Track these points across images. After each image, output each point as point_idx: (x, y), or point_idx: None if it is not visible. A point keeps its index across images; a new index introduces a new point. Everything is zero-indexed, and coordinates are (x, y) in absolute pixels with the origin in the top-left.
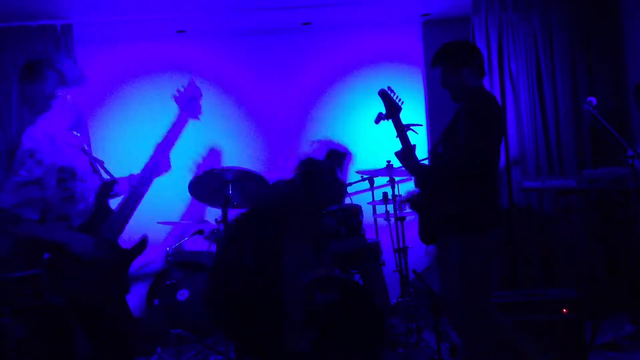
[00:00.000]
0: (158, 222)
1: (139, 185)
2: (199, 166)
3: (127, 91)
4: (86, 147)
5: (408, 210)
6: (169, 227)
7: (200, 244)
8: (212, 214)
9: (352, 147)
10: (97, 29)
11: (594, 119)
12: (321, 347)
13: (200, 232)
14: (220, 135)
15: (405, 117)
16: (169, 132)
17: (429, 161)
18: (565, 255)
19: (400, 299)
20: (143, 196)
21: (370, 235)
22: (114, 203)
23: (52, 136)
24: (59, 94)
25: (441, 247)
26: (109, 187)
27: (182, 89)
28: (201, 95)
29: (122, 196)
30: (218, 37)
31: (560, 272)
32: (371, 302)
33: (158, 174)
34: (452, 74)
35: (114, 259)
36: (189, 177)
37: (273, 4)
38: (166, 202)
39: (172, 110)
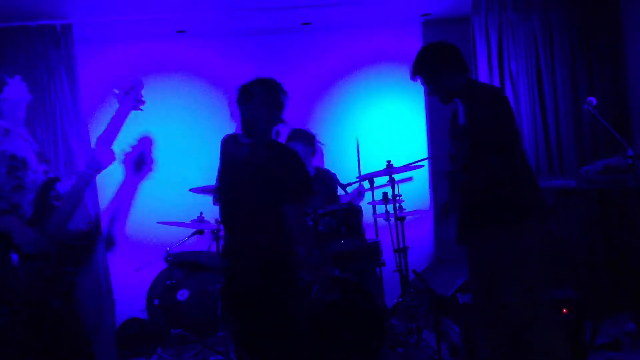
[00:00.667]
0: (158, 222)
1: (79, 181)
2: (127, 155)
3: None
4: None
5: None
6: (168, 227)
7: (200, 244)
8: (212, 213)
9: (353, 147)
10: (97, 29)
11: (594, 119)
12: (321, 347)
13: (200, 232)
14: (220, 134)
15: (404, 116)
16: (109, 124)
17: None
18: (565, 255)
19: (400, 299)
20: (84, 191)
21: (370, 235)
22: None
23: (5, 129)
24: (7, 96)
25: None
26: (50, 184)
27: (124, 85)
28: (142, 85)
29: (63, 194)
30: (218, 37)
31: (560, 272)
32: (371, 302)
33: (102, 167)
34: (431, 80)
35: (59, 254)
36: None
37: (273, 4)
38: (166, 201)
39: (171, 110)
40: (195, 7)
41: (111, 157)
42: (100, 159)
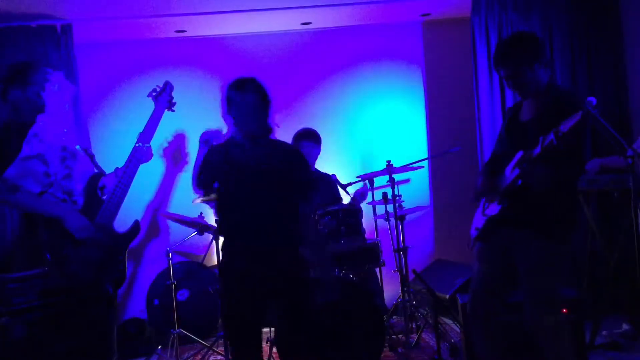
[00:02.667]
0: (160, 215)
1: (124, 176)
2: (165, 150)
3: (126, 91)
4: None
5: None
6: (169, 228)
7: (200, 244)
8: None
9: (353, 147)
10: (97, 29)
11: (594, 119)
12: (321, 347)
13: (201, 231)
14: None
15: (404, 116)
16: (147, 123)
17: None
18: None
19: (400, 299)
20: (129, 186)
21: (370, 235)
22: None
23: (55, 122)
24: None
25: None
26: (97, 178)
27: (157, 88)
28: (172, 88)
29: (110, 187)
30: (217, 37)
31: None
32: (371, 302)
33: (140, 163)
34: (528, 70)
35: (110, 243)
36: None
37: (273, 4)
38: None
39: (170, 110)
40: (195, 7)
41: (149, 155)
42: (141, 156)
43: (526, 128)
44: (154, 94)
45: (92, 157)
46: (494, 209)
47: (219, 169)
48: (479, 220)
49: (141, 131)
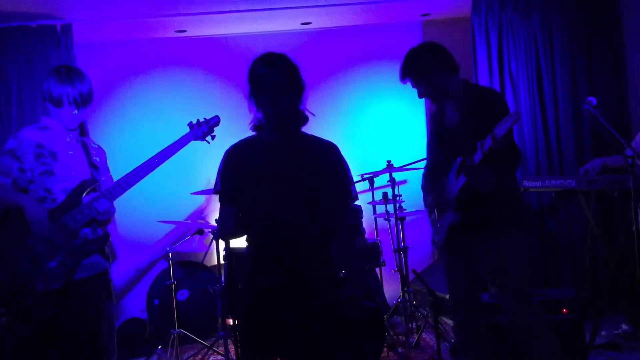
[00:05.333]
0: (159, 221)
1: (94, 202)
2: None
3: (126, 91)
4: (94, 145)
5: None
6: (169, 227)
7: (200, 244)
8: (212, 213)
9: (353, 147)
10: (97, 28)
11: (594, 119)
12: (321, 347)
13: (200, 232)
14: (220, 134)
15: (404, 116)
16: (164, 149)
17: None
18: (565, 255)
19: (400, 299)
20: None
21: (370, 235)
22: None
23: (44, 126)
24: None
25: None
26: (85, 186)
27: (200, 119)
28: (218, 123)
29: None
30: (217, 37)
31: (560, 272)
32: (371, 301)
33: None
34: (422, 81)
35: (67, 244)
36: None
37: (273, 4)
38: (167, 201)
39: (170, 110)
40: (195, 7)
41: (111, 213)
42: (99, 209)
43: (456, 133)
44: (193, 122)
45: (95, 167)
46: (451, 217)
47: (243, 177)
48: (437, 232)
49: (152, 157)
